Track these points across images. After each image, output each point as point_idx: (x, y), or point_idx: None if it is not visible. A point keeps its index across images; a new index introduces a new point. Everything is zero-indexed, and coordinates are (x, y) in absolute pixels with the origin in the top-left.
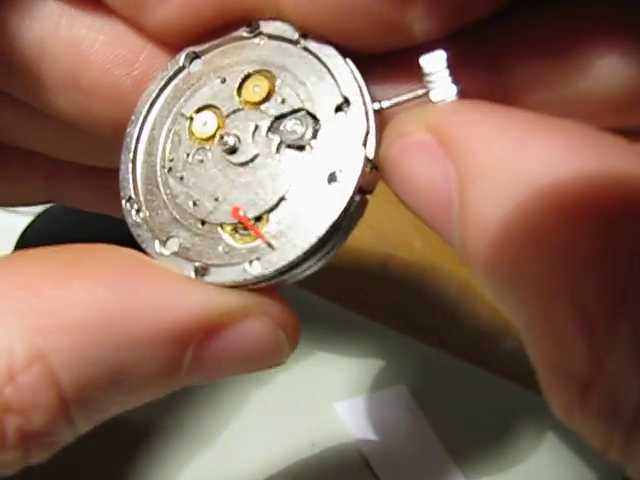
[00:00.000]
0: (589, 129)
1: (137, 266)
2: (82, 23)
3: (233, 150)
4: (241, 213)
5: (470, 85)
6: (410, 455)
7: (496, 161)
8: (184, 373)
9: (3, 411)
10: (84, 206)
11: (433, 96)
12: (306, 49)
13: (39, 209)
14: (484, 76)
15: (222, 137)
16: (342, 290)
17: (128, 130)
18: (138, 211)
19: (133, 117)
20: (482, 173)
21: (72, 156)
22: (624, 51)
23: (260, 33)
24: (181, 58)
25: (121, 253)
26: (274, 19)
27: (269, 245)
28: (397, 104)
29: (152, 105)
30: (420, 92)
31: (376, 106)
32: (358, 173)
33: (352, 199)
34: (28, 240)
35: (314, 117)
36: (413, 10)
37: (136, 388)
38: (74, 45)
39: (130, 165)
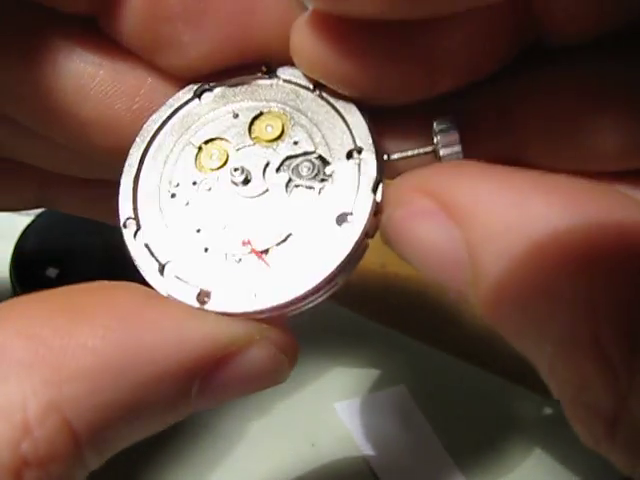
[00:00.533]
0: (583, 182)
1: (140, 304)
2: (82, 57)
3: (244, 183)
4: (250, 244)
5: (479, 142)
6: (410, 455)
7: (501, 223)
8: (191, 403)
9: (22, 466)
10: (77, 213)
11: (440, 153)
12: (321, 96)
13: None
14: (492, 133)
15: (235, 169)
16: (342, 290)
17: (131, 151)
18: (137, 233)
19: (138, 139)
20: (489, 235)
21: (65, 169)
22: (627, 112)
23: (276, 76)
24: (193, 88)
25: (122, 291)
26: (291, 65)
27: (275, 278)
28: (405, 157)
29: (158, 130)
30: (428, 149)
31: (385, 157)
32: (367, 217)
33: (360, 242)
34: (28, 240)
35: (325, 161)
36: (426, 82)
37: (145, 423)
38: (74, 79)
39: (131, 187)
